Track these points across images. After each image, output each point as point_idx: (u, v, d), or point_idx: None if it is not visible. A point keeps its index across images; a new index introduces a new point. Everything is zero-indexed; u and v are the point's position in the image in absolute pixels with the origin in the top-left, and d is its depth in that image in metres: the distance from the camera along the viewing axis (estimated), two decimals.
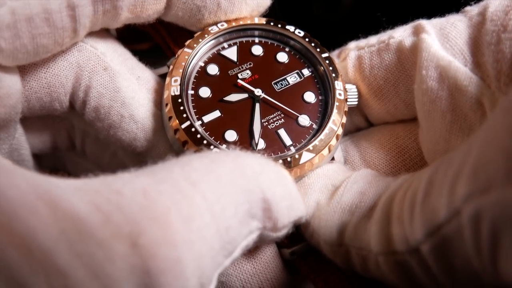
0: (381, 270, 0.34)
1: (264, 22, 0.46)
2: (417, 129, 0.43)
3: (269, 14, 0.47)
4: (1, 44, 0.35)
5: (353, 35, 0.47)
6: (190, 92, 0.43)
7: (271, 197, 0.33)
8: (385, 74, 0.43)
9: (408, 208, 0.32)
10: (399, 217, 0.32)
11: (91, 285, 0.24)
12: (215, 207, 0.29)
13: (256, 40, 0.47)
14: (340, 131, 0.42)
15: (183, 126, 0.40)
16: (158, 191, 0.28)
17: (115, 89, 0.42)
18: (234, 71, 0.45)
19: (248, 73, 0.45)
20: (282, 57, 0.46)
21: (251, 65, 0.45)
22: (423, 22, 0.41)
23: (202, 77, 0.44)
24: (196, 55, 0.44)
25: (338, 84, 0.44)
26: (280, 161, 0.40)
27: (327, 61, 0.45)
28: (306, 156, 0.41)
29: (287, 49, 0.47)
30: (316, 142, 0.41)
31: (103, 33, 0.44)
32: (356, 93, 0.45)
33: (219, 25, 0.45)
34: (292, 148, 0.42)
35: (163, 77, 0.46)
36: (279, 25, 0.47)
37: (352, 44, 0.46)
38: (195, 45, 0.44)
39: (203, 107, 0.43)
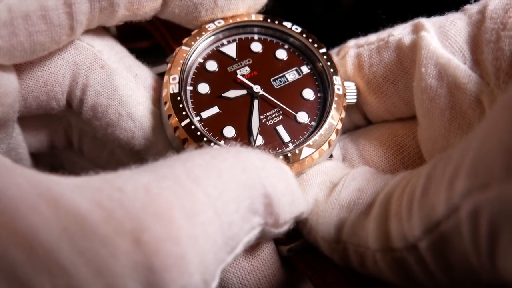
0: (379, 267, 0.34)
1: (262, 19, 0.46)
2: (416, 127, 0.43)
3: (269, 13, 0.47)
4: None
5: (353, 34, 0.47)
6: (189, 88, 0.43)
7: (273, 193, 0.33)
8: (384, 72, 0.43)
9: (406, 205, 0.31)
10: (397, 214, 0.32)
11: (94, 282, 0.24)
12: (218, 202, 0.29)
13: (256, 37, 0.47)
14: (339, 125, 0.42)
15: (183, 124, 0.40)
16: (160, 187, 0.28)
17: (112, 87, 0.42)
18: (233, 67, 0.45)
19: (247, 70, 0.45)
20: (281, 54, 0.46)
21: (250, 62, 0.45)
22: (423, 20, 0.41)
23: (201, 73, 0.44)
24: (194, 51, 0.44)
25: (337, 79, 0.44)
26: (280, 156, 0.40)
27: (325, 57, 0.45)
28: (306, 151, 0.41)
29: (286, 46, 0.47)
30: (316, 137, 0.41)
31: (100, 31, 0.44)
32: (355, 90, 0.45)
33: (216, 22, 0.45)
34: (290, 144, 0.42)
35: (161, 75, 0.45)
36: (277, 22, 0.47)
37: (352, 42, 0.46)
38: (192, 43, 0.44)
39: (201, 103, 0.43)
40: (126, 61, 0.44)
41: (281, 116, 0.43)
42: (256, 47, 0.46)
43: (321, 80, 0.45)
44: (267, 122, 0.43)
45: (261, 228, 0.33)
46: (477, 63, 0.38)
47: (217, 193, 0.30)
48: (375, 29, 0.45)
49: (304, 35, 0.46)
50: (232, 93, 0.44)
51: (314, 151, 0.41)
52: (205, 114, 0.42)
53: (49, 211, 0.25)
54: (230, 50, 0.46)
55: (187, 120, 0.41)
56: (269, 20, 0.46)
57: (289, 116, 0.43)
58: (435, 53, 0.39)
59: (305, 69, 0.46)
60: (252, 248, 0.39)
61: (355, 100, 0.45)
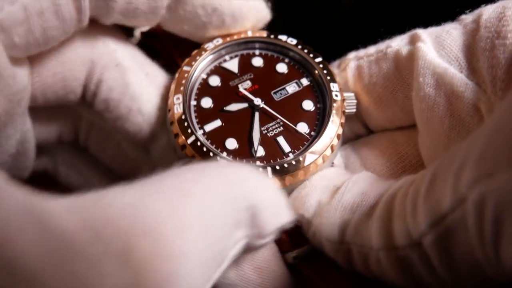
0: (382, 267, 0.34)
1: (265, 35, 0.48)
2: (416, 135, 0.43)
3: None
4: (16, 39, 0.36)
5: (353, 35, 0.47)
6: (193, 103, 0.45)
7: (257, 205, 0.33)
8: (384, 82, 0.44)
9: (410, 202, 0.32)
10: (400, 213, 0.33)
11: None
12: (205, 218, 0.29)
13: (257, 52, 0.48)
14: (340, 130, 0.43)
15: (189, 141, 0.42)
16: (147, 204, 0.28)
17: (125, 84, 0.44)
18: (235, 81, 0.46)
19: (248, 84, 0.46)
20: (282, 67, 0.47)
21: (252, 76, 0.46)
22: (419, 31, 0.42)
23: (204, 89, 0.46)
24: (197, 69, 0.46)
25: (334, 86, 0.45)
26: (278, 167, 0.41)
27: (321, 65, 0.46)
28: (309, 158, 0.41)
29: (286, 60, 0.48)
30: (317, 143, 0.42)
31: (115, 30, 0.46)
32: (355, 101, 0.45)
33: (214, 41, 0.47)
34: (290, 154, 0.43)
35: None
36: (272, 36, 0.48)
37: (352, 54, 0.47)
38: (193, 62, 0.46)
39: (205, 117, 0.44)
40: (138, 59, 0.46)
41: (281, 127, 0.44)
42: (257, 62, 0.47)
43: (320, 90, 0.46)
44: (267, 134, 0.43)
45: (246, 240, 0.34)
46: (473, 71, 0.38)
47: (204, 209, 0.30)
48: (375, 30, 0.46)
49: (299, 47, 0.47)
50: (233, 107, 0.45)
51: (318, 157, 0.42)
52: (208, 128, 0.43)
53: (35, 233, 0.24)
54: (232, 65, 0.47)
55: (193, 137, 0.42)
56: (270, 36, 0.48)
57: (289, 127, 0.44)
58: (431, 63, 0.39)
59: (305, 82, 0.46)
60: (259, 260, 0.39)
61: (354, 110, 0.46)
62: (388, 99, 0.44)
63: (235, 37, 0.47)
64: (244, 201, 0.32)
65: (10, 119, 0.40)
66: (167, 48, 0.50)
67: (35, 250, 0.24)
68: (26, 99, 0.41)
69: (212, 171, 0.32)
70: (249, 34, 0.48)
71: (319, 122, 0.44)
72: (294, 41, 0.48)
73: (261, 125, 0.44)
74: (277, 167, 0.41)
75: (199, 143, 0.41)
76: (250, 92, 0.45)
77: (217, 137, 0.43)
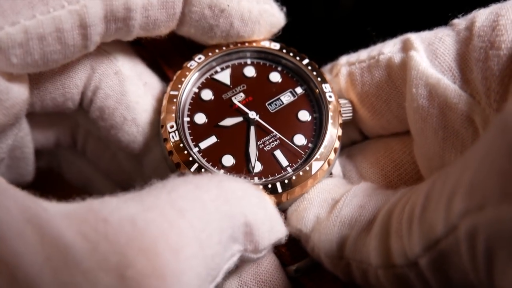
0: (381, 283, 0.35)
1: (271, 46, 0.47)
2: (412, 142, 0.43)
3: None
4: (12, 60, 0.36)
5: (353, 36, 0.47)
6: (186, 119, 0.44)
7: (253, 221, 0.34)
8: (377, 91, 0.43)
9: (406, 223, 0.32)
10: (397, 231, 0.33)
11: None
12: (202, 235, 0.30)
13: (248, 61, 0.47)
14: (340, 132, 0.43)
15: (188, 165, 0.41)
16: (145, 220, 0.28)
17: (122, 92, 0.44)
18: (227, 94, 0.45)
19: (241, 96, 0.45)
20: (275, 77, 0.46)
21: (245, 88, 0.46)
22: (412, 37, 0.41)
23: (197, 103, 0.45)
24: (188, 83, 0.45)
25: (326, 87, 0.45)
26: (286, 180, 0.41)
27: (309, 67, 0.46)
28: (316, 165, 0.41)
29: (279, 68, 0.47)
30: (321, 149, 0.42)
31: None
32: (350, 108, 0.45)
33: (196, 59, 0.46)
34: (288, 169, 0.42)
35: None
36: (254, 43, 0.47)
37: (343, 60, 0.46)
38: (179, 86, 0.45)
39: (199, 133, 0.44)
40: (138, 68, 0.46)
41: (278, 141, 0.43)
42: (250, 71, 0.47)
43: (315, 99, 0.45)
44: (264, 148, 0.43)
45: (240, 254, 0.35)
46: (467, 82, 0.37)
47: (201, 226, 0.30)
48: (375, 30, 0.45)
49: (284, 50, 0.46)
50: (228, 121, 0.44)
51: (323, 163, 0.42)
52: (204, 145, 0.43)
53: (35, 239, 0.25)
54: (224, 77, 0.46)
55: (190, 159, 0.41)
56: (277, 48, 0.46)
57: (286, 140, 0.43)
58: (424, 73, 0.38)
59: (299, 90, 0.46)
60: (261, 273, 0.40)
61: (351, 116, 0.45)
62: (382, 108, 0.43)
63: (224, 48, 0.46)
64: (241, 218, 0.33)
65: (1, 129, 0.40)
66: (154, 56, 0.50)
67: (34, 255, 0.25)
68: (24, 111, 0.41)
69: (210, 187, 0.33)
70: (254, 44, 0.46)
71: (316, 133, 0.44)
72: (277, 46, 0.47)
73: (258, 139, 0.43)
74: (286, 181, 0.41)
75: (191, 158, 0.41)
76: (244, 105, 0.45)
77: (213, 154, 0.43)
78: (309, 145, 0.44)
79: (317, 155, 0.42)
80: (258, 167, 0.42)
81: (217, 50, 0.46)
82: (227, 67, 0.47)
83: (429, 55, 0.39)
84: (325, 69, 0.48)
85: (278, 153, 0.43)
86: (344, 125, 0.46)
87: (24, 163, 0.46)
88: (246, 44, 0.46)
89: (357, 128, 0.47)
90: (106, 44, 0.43)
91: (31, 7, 0.35)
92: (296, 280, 0.41)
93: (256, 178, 0.42)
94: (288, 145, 0.43)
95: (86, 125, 0.48)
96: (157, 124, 0.45)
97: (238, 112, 0.45)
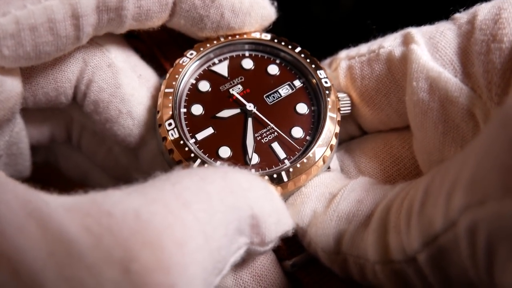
0: (379, 279, 0.35)
1: (262, 37, 0.46)
2: (411, 137, 0.43)
3: None
4: (4, 51, 0.35)
5: (353, 35, 0.46)
6: (183, 110, 0.44)
7: (259, 214, 0.33)
8: (376, 84, 0.43)
9: (405, 218, 0.32)
10: (395, 226, 0.33)
11: None
12: (207, 227, 0.30)
13: (247, 53, 0.47)
14: (339, 117, 0.43)
15: (179, 148, 0.41)
16: (150, 212, 0.28)
17: (116, 85, 0.43)
18: (225, 86, 0.45)
19: (239, 88, 0.45)
20: (273, 69, 0.46)
21: (242, 80, 0.45)
22: (413, 31, 0.40)
23: (194, 95, 0.44)
24: (185, 74, 0.44)
25: (321, 73, 0.44)
26: (291, 169, 0.41)
27: (302, 55, 0.45)
28: (319, 151, 0.41)
29: (277, 61, 0.46)
30: (319, 142, 0.42)
31: None
32: (349, 101, 0.45)
33: (188, 54, 0.45)
34: (286, 161, 0.42)
35: None
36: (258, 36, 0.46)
37: (343, 54, 0.45)
38: (173, 83, 0.44)
39: (196, 124, 0.43)
40: (132, 60, 0.45)
41: (275, 133, 0.43)
42: (248, 64, 0.46)
43: (314, 92, 0.45)
44: (262, 140, 0.43)
45: (246, 247, 0.34)
46: (468, 76, 0.37)
47: (206, 218, 0.30)
48: (375, 30, 0.45)
49: (275, 40, 0.46)
50: (225, 113, 0.44)
51: (326, 148, 0.41)
52: (200, 136, 0.43)
53: (37, 233, 0.25)
54: (222, 68, 0.46)
55: (176, 135, 0.41)
56: (269, 38, 0.46)
57: (283, 132, 0.43)
58: (425, 66, 0.38)
59: (297, 83, 0.45)
60: (257, 268, 0.40)
61: (349, 110, 0.45)
62: (382, 101, 0.43)
63: (222, 39, 0.45)
64: (247, 210, 0.32)
65: (1, 125, 0.39)
66: (151, 49, 0.49)
67: (37, 250, 0.24)
68: (19, 105, 0.40)
69: (215, 178, 0.32)
70: (245, 35, 0.46)
71: (314, 126, 0.43)
72: (268, 36, 0.46)
73: (255, 131, 0.43)
74: (298, 165, 0.40)
75: (187, 148, 0.41)
76: (242, 97, 0.44)
77: (209, 146, 0.42)
78: (307, 138, 0.43)
79: (315, 148, 0.41)
80: (255, 159, 0.42)
81: (214, 42, 0.45)
82: (225, 59, 0.46)
83: (430, 48, 0.39)
84: (325, 64, 0.47)
85: (276, 146, 0.43)
86: (343, 119, 0.45)
87: (21, 159, 0.46)
88: (245, 36, 0.46)
89: (356, 123, 0.47)
90: (98, 37, 0.42)
91: None
92: (293, 275, 0.41)
93: (253, 170, 0.41)
94: (285, 138, 0.43)
95: (80, 119, 0.47)
96: (153, 117, 0.44)
97: (235, 103, 0.44)
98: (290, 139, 0.43)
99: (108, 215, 0.27)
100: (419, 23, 0.42)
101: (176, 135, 0.41)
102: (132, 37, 0.49)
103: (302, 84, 0.45)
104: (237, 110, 0.44)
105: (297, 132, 0.43)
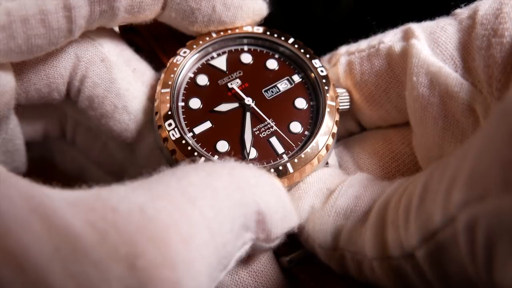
0: (376, 275, 0.34)
1: (254, 30, 0.46)
2: (410, 133, 0.42)
3: (269, 14, 0.47)
4: None
5: (353, 35, 0.46)
6: (181, 104, 0.43)
7: (266, 210, 0.33)
8: (376, 80, 0.42)
9: (403, 213, 0.31)
10: (394, 222, 0.32)
11: None
12: (213, 223, 0.29)
13: (245, 48, 0.46)
14: (337, 116, 0.43)
15: (175, 140, 0.40)
16: (155, 208, 0.28)
17: (110, 80, 0.42)
18: (223, 80, 0.45)
19: (238, 82, 0.44)
20: (272, 64, 0.46)
21: (241, 74, 0.45)
22: (413, 27, 0.40)
23: (192, 89, 0.44)
24: (182, 70, 0.44)
25: (316, 63, 0.44)
26: (296, 159, 0.40)
27: (296, 45, 0.45)
28: (322, 140, 0.41)
29: (276, 56, 0.46)
30: (318, 137, 0.41)
31: None
32: (348, 97, 0.44)
33: (181, 53, 0.44)
34: (284, 156, 0.42)
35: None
36: (262, 31, 0.46)
37: (343, 49, 0.45)
38: (169, 83, 0.43)
39: (194, 118, 0.43)
40: (125, 54, 0.44)
41: (274, 128, 0.43)
42: (246, 58, 0.46)
43: (313, 87, 0.44)
44: (260, 135, 0.42)
45: (252, 243, 0.34)
46: (468, 71, 0.37)
47: (212, 214, 0.29)
48: (375, 30, 0.45)
49: (268, 33, 0.46)
50: (223, 107, 0.43)
51: (328, 136, 0.41)
52: (198, 130, 0.42)
53: (42, 229, 0.24)
54: (220, 63, 0.45)
55: (178, 135, 0.41)
56: (261, 31, 0.46)
57: (282, 127, 0.43)
58: (425, 61, 0.38)
59: (296, 78, 0.45)
60: (254, 264, 0.39)
61: (348, 106, 0.45)
62: (381, 97, 0.43)
63: (222, 33, 0.45)
64: (253, 206, 0.32)
65: None
66: (149, 42, 0.49)
67: (42, 246, 0.24)
68: (13, 101, 0.40)
69: (222, 173, 0.32)
70: (237, 30, 0.46)
71: (312, 121, 0.43)
72: (260, 30, 0.46)
73: (253, 125, 0.43)
74: (296, 160, 0.40)
75: (183, 141, 0.40)
76: (241, 91, 0.44)
77: (207, 140, 0.42)
78: (306, 132, 0.43)
79: (313, 143, 0.41)
80: (253, 153, 0.42)
81: (214, 35, 0.45)
82: (224, 53, 0.46)
83: (430, 43, 0.39)
84: (324, 59, 0.47)
85: (274, 140, 0.42)
86: (342, 115, 0.45)
87: (17, 155, 0.45)
88: (237, 30, 0.45)
89: (355, 119, 0.47)
90: (91, 31, 0.42)
91: None
92: (290, 271, 0.40)
93: (250, 165, 0.41)
94: (284, 132, 0.42)
95: (74, 115, 0.47)
96: (149, 111, 0.44)
97: (234, 97, 0.44)
98: (288, 133, 0.42)
99: (113, 210, 0.27)
100: (420, 20, 0.42)
101: (178, 135, 0.41)
102: (130, 31, 0.49)
103: (301, 79, 0.45)
104: (236, 104, 0.43)
105: (296, 127, 0.43)
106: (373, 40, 0.43)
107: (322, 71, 0.44)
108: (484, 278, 0.26)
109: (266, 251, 0.37)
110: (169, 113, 0.41)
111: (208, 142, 0.42)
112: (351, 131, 0.48)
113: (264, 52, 0.46)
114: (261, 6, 0.45)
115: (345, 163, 0.45)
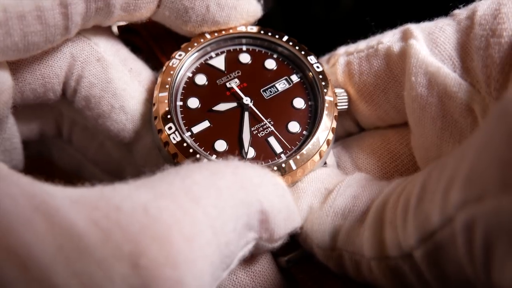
0: (374, 275, 0.34)
1: (253, 30, 0.46)
2: (409, 134, 0.42)
3: (269, 14, 0.47)
4: None
5: (353, 35, 0.46)
6: (179, 103, 0.43)
7: (269, 209, 0.33)
8: (375, 80, 0.42)
9: (401, 213, 0.31)
10: (392, 222, 0.32)
11: None
12: (216, 222, 0.29)
13: (244, 48, 0.46)
14: (336, 112, 0.43)
15: (174, 141, 0.40)
16: (158, 207, 0.28)
17: (107, 80, 0.42)
18: (222, 80, 0.45)
19: (236, 82, 0.44)
20: (270, 64, 0.46)
21: (239, 74, 0.45)
22: (412, 27, 0.40)
23: (191, 88, 0.44)
24: (182, 67, 0.44)
25: (312, 59, 0.44)
26: (298, 156, 0.40)
27: (290, 43, 0.45)
28: (322, 135, 0.41)
29: (275, 56, 0.46)
30: (323, 121, 0.42)
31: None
32: (346, 97, 0.44)
33: (177, 56, 0.44)
34: (282, 155, 0.42)
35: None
36: (262, 31, 0.46)
37: (342, 50, 0.45)
38: (167, 86, 0.43)
39: (192, 118, 0.43)
40: (121, 54, 0.44)
41: (272, 127, 0.43)
42: (245, 58, 0.46)
43: (311, 87, 0.44)
44: (258, 134, 0.42)
45: (255, 242, 0.34)
46: (467, 71, 0.37)
47: (216, 213, 0.29)
48: (375, 30, 0.45)
49: (262, 32, 0.46)
50: (222, 106, 0.43)
51: (328, 132, 0.41)
52: (196, 129, 0.42)
53: (45, 227, 0.24)
54: (219, 62, 0.45)
55: (179, 138, 0.40)
56: (255, 30, 0.46)
57: (280, 126, 0.43)
58: (424, 61, 0.38)
59: (295, 78, 0.45)
60: (251, 263, 0.39)
61: (346, 106, 0.45)
62: (380, 97, 0.43)
63: (216, 34, 0.45)
64: (257, 205, 0.32)
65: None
66: (148, 42, 0.49)
67: (45, 244, 0.24)
68: (11, 99, 0.40)
69: (226, 173, 0.32)
70: (231, 30, 0.46)
71: (311, 121, 0.43)
72: (254, 29, 0.46)
73: (251, 125, 0.43)
74: (298, 157, 0.40)
75: (185, 144, 0.40)
76: (239, 90, 0.44)
77: (205, 139, 0.42)
78: (304, 132, 0.43)
79: (314, 139, 0.41)
80: (251, 152, 0.42)
81: (215, 34, 0.45)
82: (222, 52, 0.46)
83: (429, 44, 0.39)
84: (323, 60, 0.47)
85: (272, 140, 0.42)
86: (340, 116, 0.45)
87: (15, 153, 0.45)
88: (231, 30, 0.45)
89: (353, 119, 0.47)
90: (86, 31, 0.42)
91: None
92: (288, 271, 0.40)
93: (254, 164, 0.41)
94: (282, 132, 0.42)
95: (70, 115, 0.47)
96: (147, 111, 0.44)
97: (232, 97, 0.44)
98: (286, 133, 0.42)
99: (116, 209, 0.27)
100: (418, 21, 0.42)
101: (179, 138, 0.41)
102: (129, 31, 0.49)
103: (299, 79, 0.45)
104: (234, 104, 0.43)
105: (294, 126, 0.43)
106: (372, 40, 0.43)
107: (318, 67, 0.44)
108: (482, 278, 0.26)
109: (268, 250, 0.37)
110: (168, 116, 0.41)
111: (206, 141, 0.42)
112: (349, 131, 0.48)
113: (263, 52, 0.46)
114: (255, 7, 0.45)
115: (343, 163, 0.45)
